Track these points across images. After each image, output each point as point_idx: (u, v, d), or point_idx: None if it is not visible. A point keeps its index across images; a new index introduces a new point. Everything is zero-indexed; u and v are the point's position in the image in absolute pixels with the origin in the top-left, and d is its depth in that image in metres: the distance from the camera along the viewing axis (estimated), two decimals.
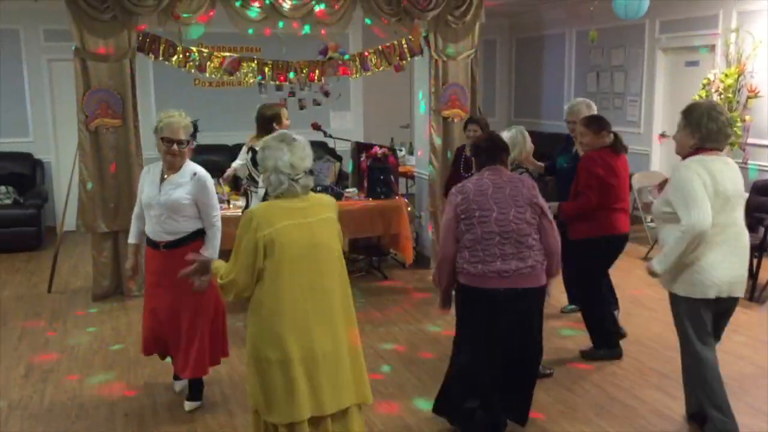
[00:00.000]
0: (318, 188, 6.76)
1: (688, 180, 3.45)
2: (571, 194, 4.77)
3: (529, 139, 4.83)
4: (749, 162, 7.40)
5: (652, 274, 3.64)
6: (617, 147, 4.70)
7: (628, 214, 4.85)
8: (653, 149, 8.93)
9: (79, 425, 4.03)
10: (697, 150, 3.57)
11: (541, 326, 3.67)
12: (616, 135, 4.71)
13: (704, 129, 3.52)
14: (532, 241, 3.47)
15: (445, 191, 6.38)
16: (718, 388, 3.64)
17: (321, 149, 8.95)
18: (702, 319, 3.62)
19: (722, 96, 7.36)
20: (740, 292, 3.65)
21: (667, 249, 3.54)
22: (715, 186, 3.45)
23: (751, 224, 6.64)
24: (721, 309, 3.68)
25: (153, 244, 4.03)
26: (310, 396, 2.88)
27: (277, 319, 2.86)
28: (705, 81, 7.53)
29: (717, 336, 3.79)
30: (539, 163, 5.52)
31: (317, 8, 6.40)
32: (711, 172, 3.47)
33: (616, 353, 4.82)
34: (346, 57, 6.94)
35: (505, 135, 4.48)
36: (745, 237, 3.62)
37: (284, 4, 6.32)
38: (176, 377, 4.34)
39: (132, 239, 4.24)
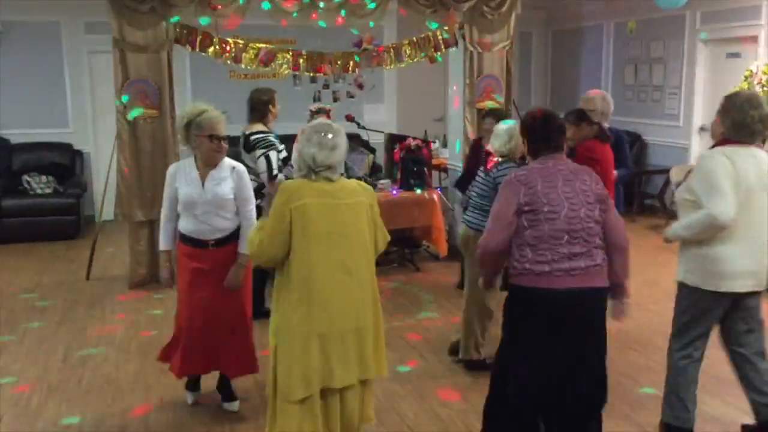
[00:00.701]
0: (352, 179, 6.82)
1: (712, 170, 3.37)
2: None
3: None
4: None
5: (666, 240, 3.69)
6: (602, 137, 4.79)
7: None
8: (692, 142, 8.76)
9: (115, 408, 4.11)
10: (725, 140, 3.47)
11: (605, 340, 3.20)
12: (599, 125, 4.83)
13: (733, 119, 3.43)
14: (599, 240, 3.11)
15: (460, 188, 6.16)
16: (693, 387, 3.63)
17: (354, 141, 8.96)
18: (707, 316, 3.54)
19: (765, 88, 7.18)
20: (759, 286, 3.52)
21: (685, 222, 3.48)
22: (737, 178, 3.36)
23: None
24: (741, 305, 3.55)
25: (199, 243, 3.82)
26: (323, 370, 3.03)
27: (304, 292, 3.01)
28: (747, 73, 7.35)
29: (753, 335, 3.63)
30: None
31: None
32: (734, 162, 3.37)
33: None
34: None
35: (503, 127, 4.47)
36: (764, 231, 3.48)
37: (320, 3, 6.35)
38: (192, 387, 4.17)
39: (167, 245, 3.95)
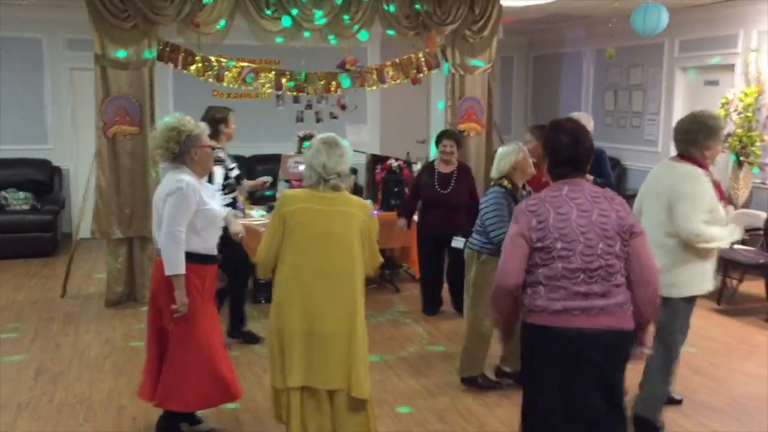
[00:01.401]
0: None
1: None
2: None
3: (523, 154, 4.58)
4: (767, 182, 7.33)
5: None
6: None
7: None
8: None
9: (87, 427, 4.03)
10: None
11: (623, 385, 2.88)
12: None
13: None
14: (621, 278, 2.77)
15: (400, 212, 6.15)
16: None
17: None
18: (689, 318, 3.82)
19: (741, 115, 7.30)
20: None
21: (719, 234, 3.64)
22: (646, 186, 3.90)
23: None
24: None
25: (213, 260, 3.67)
26: (305, 368, 3.19)
27: (288, 293, 3.21)
28: (724, 100, 7.48)
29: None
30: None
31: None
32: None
33: None
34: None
35: (498, 151, 4.54)
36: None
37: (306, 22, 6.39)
38: (198, 421, 3.92)
39: (185, 268, 3.48)
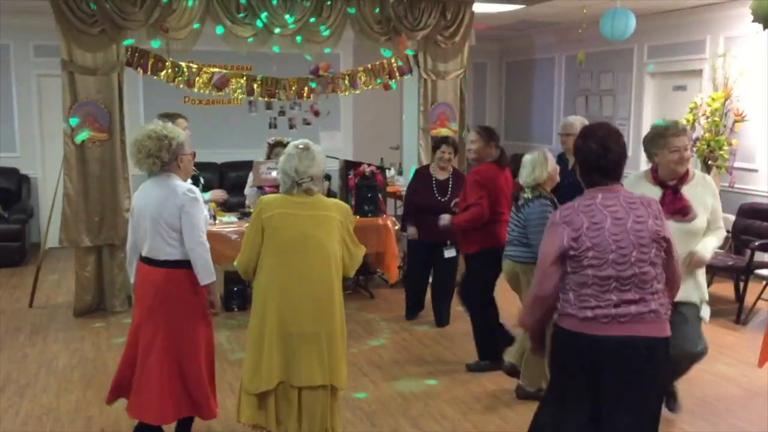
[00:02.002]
0: None
1: None
2: (461, 208, 5.00)
3: (552, 161, 4.56)
4: (735, 185, 7.43)
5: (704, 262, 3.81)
6: (502, 162, 4.94)
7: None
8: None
9: None
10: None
11: (661, 397, 2.88)
12: (502, 150, 4.99)
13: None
14: (657, 285, 2.71)
15: (403, 222, 6.11)
16: None
17: None
18: None
19: (709, 120, 7.41)
20: None
21: (714, 244, 3.83)
22: None
23: (738, 247, 6.68)
24: None
25: None
26: (282, 368, 3.30)
27: (266, 296, 3.31)
28: (692, 105, 7.58)
29: None
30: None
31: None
32: None
33: (501, 363, 4.66)
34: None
35: (527, 158, 4.48)
36: None
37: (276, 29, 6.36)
38: None
39: (185, 276, 3.52)
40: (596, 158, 2.75)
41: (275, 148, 6.47)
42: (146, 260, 3.53)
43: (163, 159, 3.47)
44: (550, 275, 2.73)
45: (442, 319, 5.99)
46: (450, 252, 5.73)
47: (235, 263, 3.47)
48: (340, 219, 3.36)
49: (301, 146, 3.38)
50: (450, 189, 5.85)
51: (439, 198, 5.82)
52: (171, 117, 5.05)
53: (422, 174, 6.05)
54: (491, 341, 4.94)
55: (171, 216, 3.44)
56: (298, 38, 6.55)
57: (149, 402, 3.49)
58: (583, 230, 2.68)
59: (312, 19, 6.46)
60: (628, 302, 2.65)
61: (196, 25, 6.18)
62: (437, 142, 6.01)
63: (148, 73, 6.28)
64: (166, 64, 6.28)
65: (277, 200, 3.37)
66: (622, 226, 2.68)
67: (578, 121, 5.58)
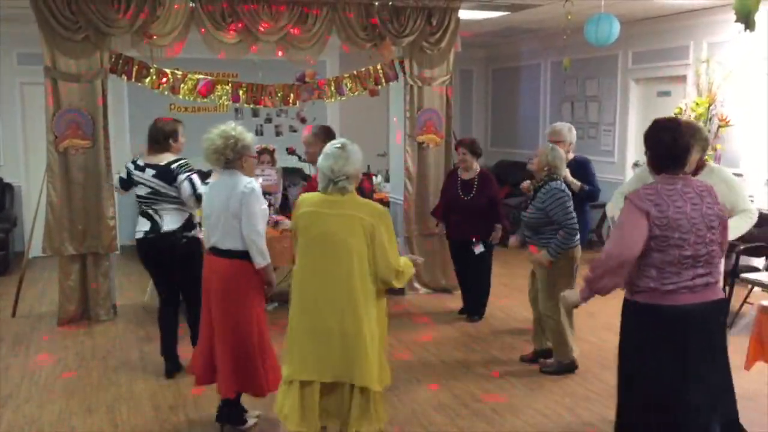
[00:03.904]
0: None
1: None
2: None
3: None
4: None
5: None
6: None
7: None
8: (626, 177, 8.99)
9: None
10: (702, 161, 4.05)
11: (726, 346, 3.26)
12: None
13: (705, 144, 4.07)
14: (719, 260, 3.19)
15: (438, 216, 6.49)
16: None
17: (296, 174, 8.93)
18: None
19: None
20: None
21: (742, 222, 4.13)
22: None
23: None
24: None
25: None
26: (307, 362, 3.35)
27: (296, 291, 3.42)
28: (677, 110, 7.62)
29: None
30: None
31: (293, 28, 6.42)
32: None
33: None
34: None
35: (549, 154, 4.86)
36: None
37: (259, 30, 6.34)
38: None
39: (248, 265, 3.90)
40: (668, 148, 3.11)
41: (261, 155, 6.44)
42: (213, 250, 3.90)
43: (227, 156, 3.81)
44: (634, 238, 3.02)
45: (473, 313, 6.29)
46: (478, 248, 5.95)
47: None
48: (370, 221, 3.31)
49: (338, 145, 3.44)
50: (475, 188, 6.04)
51: (463, 197, 6.04)
52: (168, 124, 5.06)
53: (451, 173, 6.40)
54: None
55: (234, 208, 3.78)
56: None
57: (221, 377, 3.87)
58: (669, 214, 3.01)
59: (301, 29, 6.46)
60: (701, 275, 3.07)
61: (177, 33, 6.14)
62: (455, 144, 6.33)
63: (132, 80, 6.23)
64: (151, 70, 6.24)
65: (312, 198, 3.45)
66: (698, 210, 3.06)
67: (566, 128, 5.76)
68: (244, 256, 3.81)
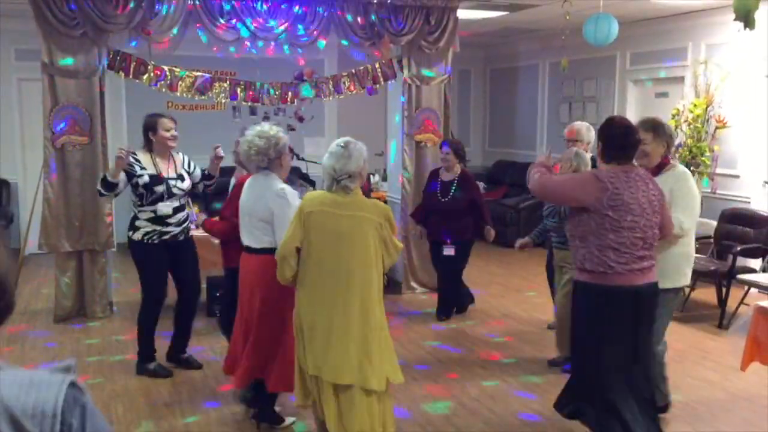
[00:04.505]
0: None
1: (695, 191, 3.96)
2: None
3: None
4: (717, 191, 7.49)
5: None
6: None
7: None
8: None
9: None
10: (666, 158, 3.99)
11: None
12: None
13: (672, 140, 4.08)
14: (656, 242, 3.52)
15: (417, 218, 6.44)
16: None
17: (293, 174, 8.90)
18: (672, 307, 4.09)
19: (691, 126, 7.47)
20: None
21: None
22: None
23: (720, 252, 6.72)
24: None
25: None
26: (319, 361, 3.36)
27: (303, 291, 3.43)
28: (674, 111, 7.63)
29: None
30: None
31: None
32: None
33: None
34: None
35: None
36: None
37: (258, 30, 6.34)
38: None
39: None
40: (620, 138, 3.45)
41: None
42: (246, 248, 3.97)
43: (270, 156, 3.89)
44: (569, 196, 3.50)
45: (441, 312, 6.26)
46: (449, 250, 5.91)
47: (277, 253, 3.55)
48: (378, 220, 3.37)
49: (341, 144, 3.45)
50: (453, 190, 5.96)
51: (440, 198, 5.94)
52: (149, 118, 4.85)
53: (432, 174, 6.32)
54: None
55: (263, 212, 3.84)
56: (285, 48, 6.56)
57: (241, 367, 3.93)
58: (623, 196, 3.33)
59: (300, 27, 6.46)
60: (647, 257, 3.42)
61: (174, 30, 6.14)
62: (440, 144, 6.27)
63: (130, 76, 6.22)
64: (148, 67, 6.23)
65: (317, 198, 3.45)
66: (647, 197, 3.39)
67: (584, 127, 5.62)
68: (270, 252, 3.79)
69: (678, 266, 3.91)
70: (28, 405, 1.00)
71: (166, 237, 4.69)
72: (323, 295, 3.37)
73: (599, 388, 3.54)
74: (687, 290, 6.50)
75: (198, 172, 5.00)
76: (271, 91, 6.65)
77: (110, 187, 4.66)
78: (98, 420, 1.08)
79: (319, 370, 3.38)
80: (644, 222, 3.36)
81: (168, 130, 4.77)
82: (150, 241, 4.70)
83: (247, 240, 3.95)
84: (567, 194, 3.52)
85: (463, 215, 5.95)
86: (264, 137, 3.89)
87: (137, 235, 4.70)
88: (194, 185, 4.99)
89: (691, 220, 3.87)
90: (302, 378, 3.54)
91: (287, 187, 3.89)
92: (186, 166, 4.94)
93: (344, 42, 6.71)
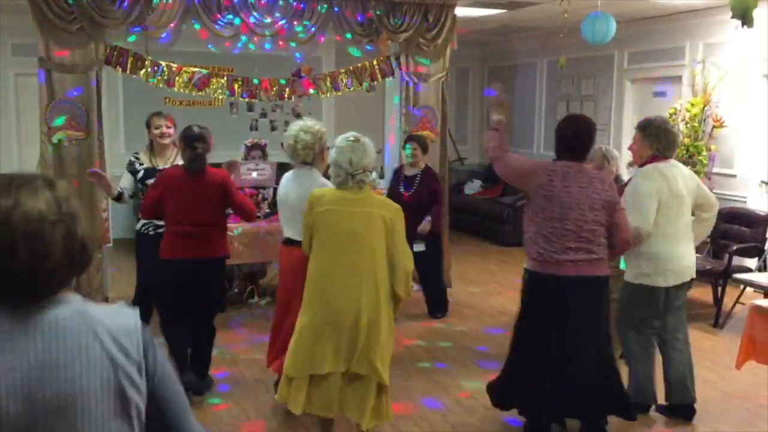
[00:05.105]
0: None
1: (643, 190, 3.95)
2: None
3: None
4: (714, 191, 7.49)
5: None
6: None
7: None
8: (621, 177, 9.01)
9: None
10: (653, 158, 4.06)
11: (608, 325, 3.71)
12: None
13: (664, 140, 4.05)
14: (602, 239, 3.58)
15: None
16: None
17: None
18: (645, 306, 4.06)
19: (688, 125, 7.47)
20: (692, 274, 4.16)
21: None
22: (670, 189, 3.98)
23: (716, 251, 6.73)
24: (674, 293, 4.08)
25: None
26: (335, 356, 3.35)
27: (313, 287, 3.41)
28: (671, 111, 7.63)
29: (677, 314, 4.18)
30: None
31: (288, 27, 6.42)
32: (666, 177, 3.99)
33: None
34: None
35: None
36: (690, 232, 4.16)
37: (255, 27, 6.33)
38: None
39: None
40: (568, 141, 3.64)
41: (252, 149, 6.43)
42: (287, 241, 4.10)
43: (315, 151, 4.02)
44: (516, 174, 3.77)
45: (436, 310, 6.26)
46: (419, 246, 5.79)
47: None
48: (389, 216, 3.37)
49: (352, 138, 3.42)
50: (416, 185, 5.99)
51: (405, 194, 5.90)
52: (148, 116, 5.10)
53: (396, 171, 6.32)
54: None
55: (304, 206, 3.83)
56: (293, 44, 6.57)
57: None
58: (556, 188, 3.51)
59: (298, 24, 6.45)
60: (584, 251, 3.51)
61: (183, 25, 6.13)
62: (405, 141, 6.22)
63: (127, 71, 6.20)
64: (146, 63, 6.21)
65: (328, 196, 3.41)
66: (584, 192, 3.52)
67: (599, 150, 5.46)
68: None
69: (637, 264, 4.02)
70: (120, 325, 1.35)
71: (161, 230, 4.70)
72: (337, 292, 3.35)
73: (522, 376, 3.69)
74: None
75: None
76: (272, 88, 6.64)
77: (118, 198, 5.05)
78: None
79: (335, 366, 3.37)
80: (575, 215, 3.49)
81: (157, 128, 5.06)
82: (146, 232, 4.97)
83: (289, 232, 4.06)
84: (516, 178, 3.77)
85: (427, 210, 5.96)
86: (309, 132, 4.02)
87: (137, 226, 5.08)
88: None
89: (637, 219, 3.83)
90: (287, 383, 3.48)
91: (329, 182, 3.87)
92: None
93: (348, 35, 6.67)
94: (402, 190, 5.98)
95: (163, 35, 6.12)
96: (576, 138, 3.63)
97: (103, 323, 1.33)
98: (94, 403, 1.28)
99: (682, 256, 4.04)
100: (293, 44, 6.60)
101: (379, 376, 3.38)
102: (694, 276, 4.21)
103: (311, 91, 6.77)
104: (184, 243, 4.21)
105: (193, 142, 4.30)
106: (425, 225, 5.91)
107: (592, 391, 3.58)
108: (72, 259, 1.34)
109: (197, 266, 4.21)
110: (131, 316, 1.38)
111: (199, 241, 4.22)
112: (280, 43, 6.60)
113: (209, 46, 6.66)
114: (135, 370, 1.33)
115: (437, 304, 6.25)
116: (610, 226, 3.58)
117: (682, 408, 4.19)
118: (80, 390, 1.27)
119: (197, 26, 6.24)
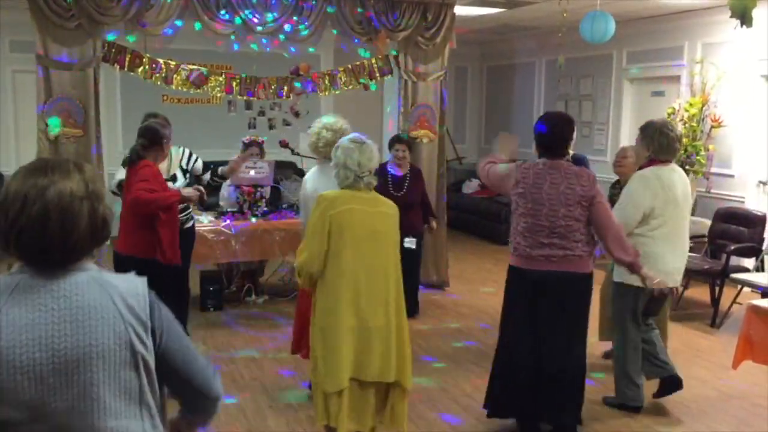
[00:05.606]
0: (283, 205, 6.71)
1: (637, 193, 4.02)
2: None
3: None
4: (712, 191, 7.50)
5: None
6: None
7: None
8: None
9: None
10: (651, 161, 4.10)
11: (585, 321, 3.75)
12: None
13: (657, 142, 4.09)
14: (580, 236, 3.60)
15: None
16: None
17: (289, 169, 8.89)
18: (638, 305, 4.10)
19: (686, 125, 7.47)
20: (676, 282, 4.19)
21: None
22: (666, 195, 4.01)
23: (713, 251, 6.73)
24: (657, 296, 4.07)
25: None
26: (359, 362, 3.26)
27: (338, 292, 3.24)
28: (670, 110, 7.64)
29: (648, 319, 4.23)
30: None
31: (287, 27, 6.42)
32: (662, 182, 4.02)
33: None
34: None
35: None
36: (687, 234, 4.21)
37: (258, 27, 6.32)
38: None
39: None
40: (542, 140, 3.70)
41: (250, 147, 6.41)
42: None
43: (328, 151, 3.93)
44: (496, 179, 3.85)
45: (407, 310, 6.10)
46: (410, 243, 5.78)
47: (294, 263, 3.45)
48: (395, 215, 3.39)
49: (358, 140, 3.37)
50: (407, 184, 6.03)
51: (394, 193, 5.93)
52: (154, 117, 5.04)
53: (380, 170, 6.15)
54: None
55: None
56: (281, 36, 6.53)
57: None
58: (528, 185, 3.62)
59: (295, 26, 6.45)
60: (556, 245, 3.57)
61: (178, 22, 6.11)
62: (391, 141, 6.20)
63: (125, 69, 6.19)
64: (144, 60, 6.20)
65: (342, 196, 3.29)
66: (556, 189, 3.57)
67: (631, 149, 5.36)
68: None
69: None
70: (130, 288, 1.59)
71: None
72: (364, 294, 3.26)
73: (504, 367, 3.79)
74: (680, 288, 6.51)
75: (200, 164, 5.13)
76: (270, 87, 6.63)
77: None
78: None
79: (360, 372, 3.28)
80: (547, 211, 3.56)
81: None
82: None
83: None
84: (496, 181, 3.85)
85: (417, 209, 6.03)
86: (332, 130, 4.03)
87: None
88: (198, 177, 5.11)
89: (620, 219, 3.83)
90: (325, 402, 3.32)
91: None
92: (185, 162, 5.04)
93: (334, 31, 6.64)
94: (391, 190, 5.91)
95: (164, 31, 6.11)
96: (551, 135, 3.67)
97: (116, 287, 1.57)
98: (108, 353, 1.52)
99: (671, 260, 4.07)
100: (282, 37, 6.55)
101: (407, 382, 3.37)
102: (678, 284, 4.27)
103: (308, 89, 6.75)
104: None
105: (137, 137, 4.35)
106: (434, 224, 6.21)
107: (553, 392, 3.65)
108: (95, 232, 1.56)
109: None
110: (139, 282, 1.62)
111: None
112: (275, 41, 6.58)
113: (210, 44, 6.65)
114: (142, 328, 1.57)
115: (413, 303, 6.17)
116: (589, 221, 3.61)
117: (669, 382, 4.26)
118: (96, 342, 1.51)
119: (198, 26, 6.23)
